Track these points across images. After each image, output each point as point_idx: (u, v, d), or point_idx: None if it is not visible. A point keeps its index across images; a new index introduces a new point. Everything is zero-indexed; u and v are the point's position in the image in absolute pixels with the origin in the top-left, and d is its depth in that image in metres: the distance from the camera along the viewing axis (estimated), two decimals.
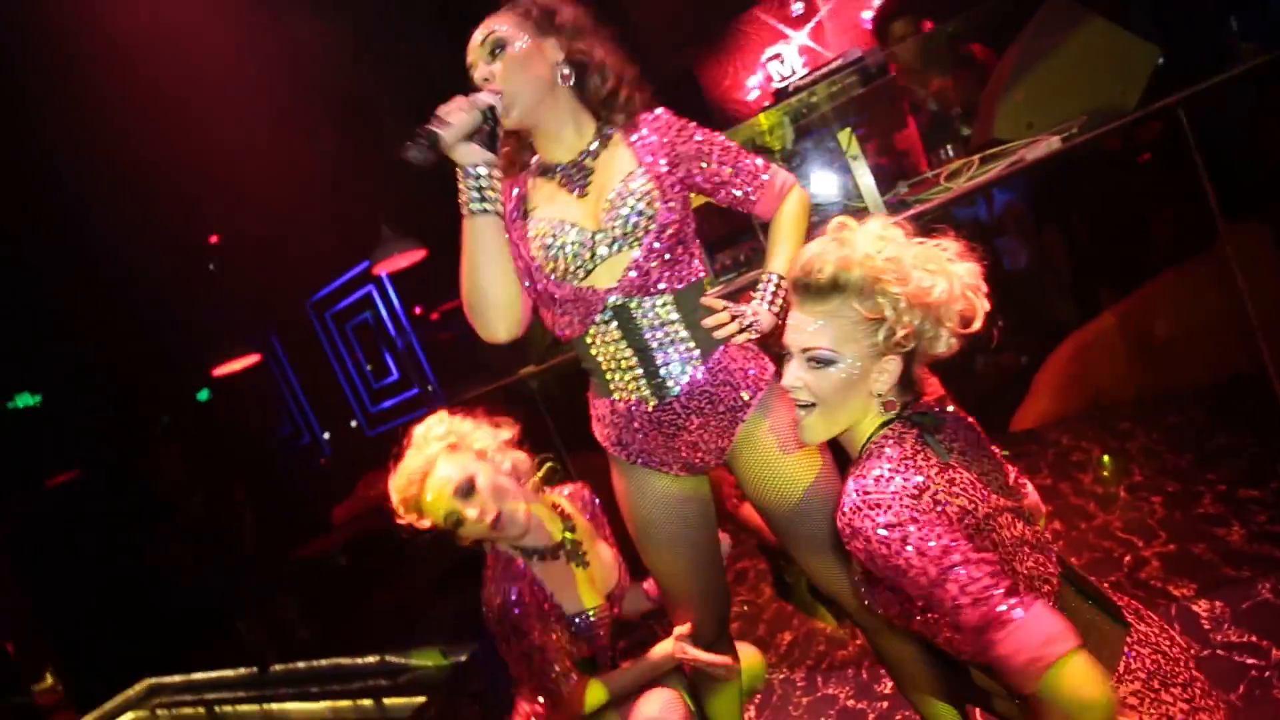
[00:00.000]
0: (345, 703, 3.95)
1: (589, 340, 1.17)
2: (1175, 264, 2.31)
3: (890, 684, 1.76)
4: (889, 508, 0.82)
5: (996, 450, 0.98)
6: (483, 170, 1.10)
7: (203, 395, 6.97)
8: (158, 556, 5.29)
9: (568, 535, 1.43)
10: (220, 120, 4.05)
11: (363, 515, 6.20)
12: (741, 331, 1.16)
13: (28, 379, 5.91)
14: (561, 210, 1.15)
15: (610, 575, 1.47)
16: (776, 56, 4.11)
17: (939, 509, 0.82)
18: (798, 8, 3.97)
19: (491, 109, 1.10)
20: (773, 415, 1.19)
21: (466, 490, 1.30)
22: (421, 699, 3.41)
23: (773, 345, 1.27)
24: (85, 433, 5.91)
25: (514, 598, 1.32)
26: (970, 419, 0.98)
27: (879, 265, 0.85)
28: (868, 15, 3.89)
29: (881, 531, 0.81)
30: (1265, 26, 1.80)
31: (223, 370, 6.12)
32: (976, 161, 1.80)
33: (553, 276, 1.14)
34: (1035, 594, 0.81)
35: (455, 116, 1.06)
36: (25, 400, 6.09)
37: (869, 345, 0.88)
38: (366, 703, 3.83)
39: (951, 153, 1.96)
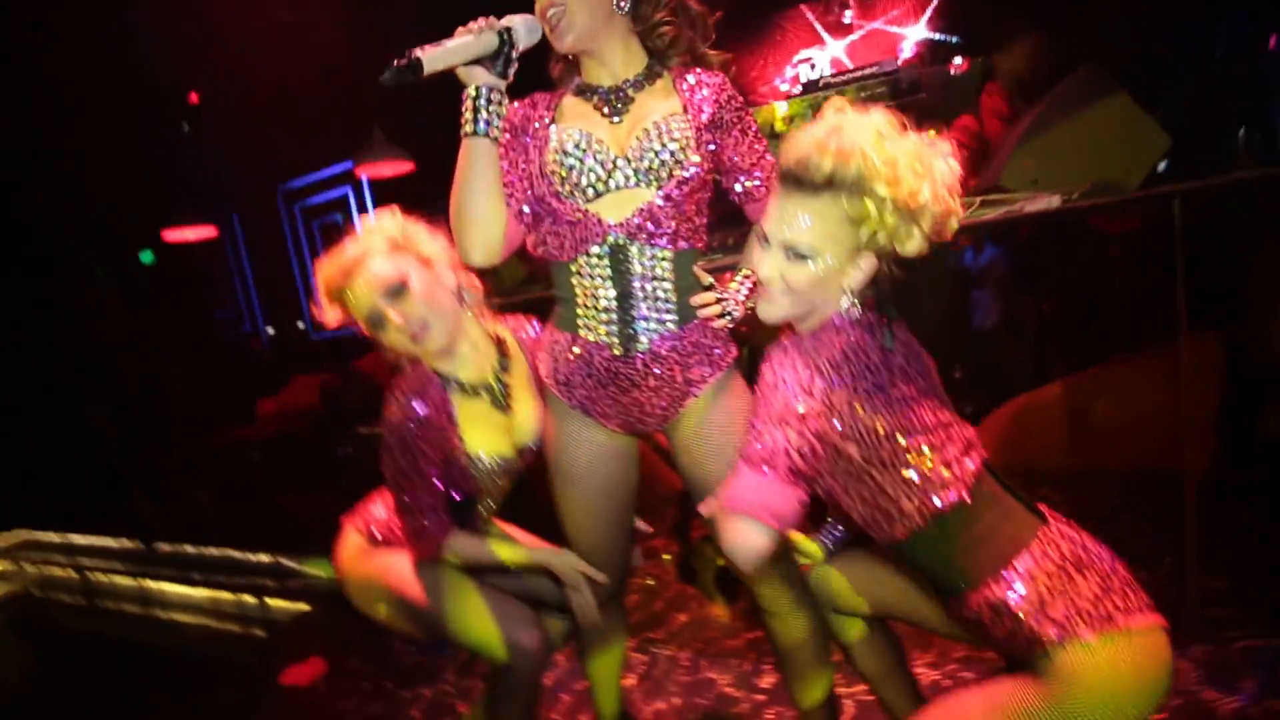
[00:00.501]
0: (228, 595, 3.85)
1: (574, 269, 1.15)
2: (1131, 351, 2.40)
3: (771, 679, 1.80)
4: (811, 357, 0.89)
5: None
6: (485, 94, 1.07)
7: (146, 256, 6.63)
8: (70, 408, 5.03)
9: (498, 375, 1.34)
10: None
11: (288, 415, 6.03)
12: (721, 316, 1.14)
13: None
14: (590, 127, 1.12)
15: (531, 427, 1.37)
16: (808, 60, 4.09)
17: (844, 383, 0.88)
18: (848, 15, 3.96)
19: (509, 32, 1.07)
20: (723, 396, 1.19)
21: (397, 290, 1.22)
22: (306, 607, 3.35)
23: (743, 333, 1.26)
24: (16, 260, 5.55)
25: (418, 414, 1.23)
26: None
27: (875, 165, 0.85)
28: (906, 43, 3.90)
29: (788, 373, 0.89)
30: (1269, 146, 1.86)
31: (174, 236, 5.84)
32: (977, 203, 1.82)
33: (560, 190, 1.11)
34: (803, 488, 0.90)
35: (463, 40, 1.03)
36: None
37: (849, 244, 0.90)
38: (249, 599, 3.74)
39: None
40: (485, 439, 1.31)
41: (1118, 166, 1.74)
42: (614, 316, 1.14)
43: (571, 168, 1.10)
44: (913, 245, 0.89)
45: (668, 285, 1.13)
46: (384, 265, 1.23)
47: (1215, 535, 2.00)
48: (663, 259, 1.12)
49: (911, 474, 0.89)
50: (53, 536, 5.11)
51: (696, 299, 1.14)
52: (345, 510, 1.48)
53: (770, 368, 0.91)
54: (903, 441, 0.89)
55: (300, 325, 7.00)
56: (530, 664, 1.31)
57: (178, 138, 5.69)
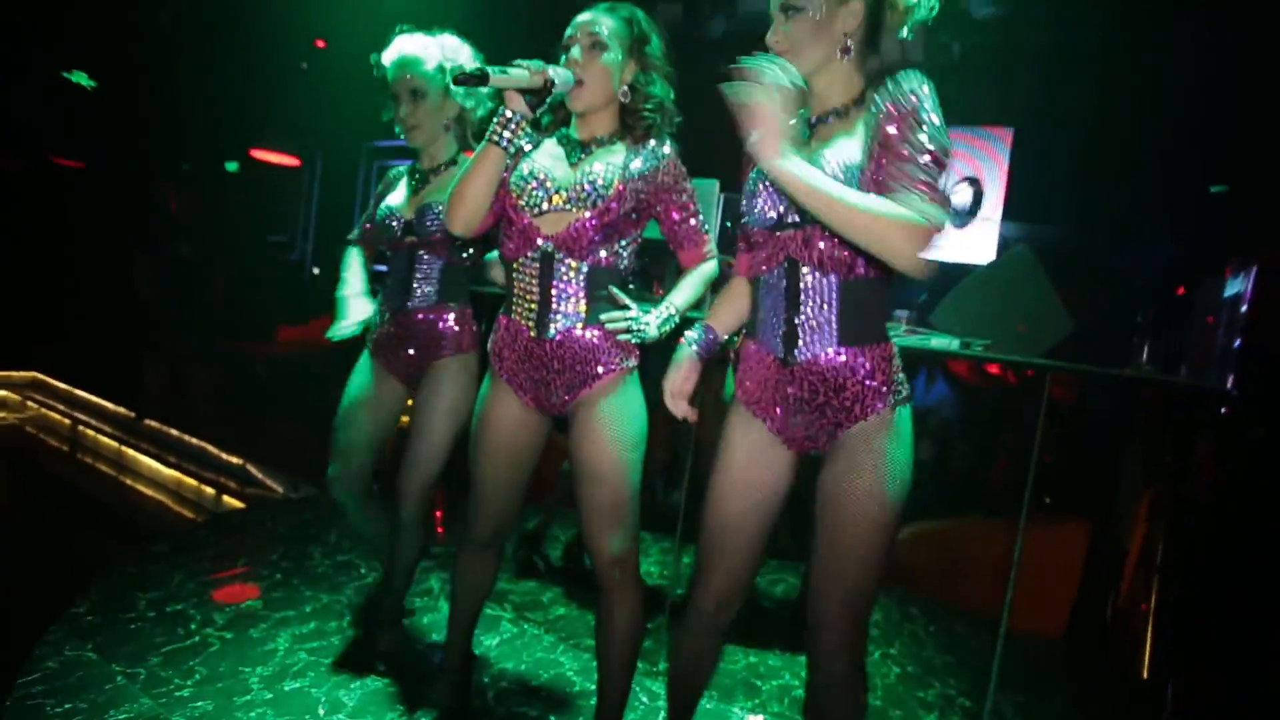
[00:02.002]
0: (191, 482, 4.27)
1: (516, 266, 1.53)
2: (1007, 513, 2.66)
3: None
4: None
5: None
6: (517, 119, 1.43)
7: (231, 166, 7.32)
8: (122, 273, 5.57)
9: (432, 168, 1.92)
10: None
11: (303, 346, 6.52)
12: (626, 331, 1.48)
13: (92, 64, 6.22)
14: (551, 165, 1.51)
15: (430, 201, 1.86)
16: None
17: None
18: None
19: (552, 82, 1.41)
20: (616, 397, 1.49)
21: (415, 94, 1.81)
22: (241, 505, 3.73)
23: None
24: (122, 135, 6.23)
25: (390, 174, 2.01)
26: None
27: None
28: None
29: None
30: (1169, 356, 2.17)
31: (260, 154, 6.49)
32: (903, 329, 2.16)
33: (517, 204, 1.49)
34: None
35: (520, 72, 1.38)
36: (80, 78, 6.41)
37: None
38: (209, 491, 4.14)
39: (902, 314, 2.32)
40: (401, 199, 1.94)
41: (1024, 338, 2.07)
42: (536, 307, 1.50)
43: (523, 189, 1.48)
44: None
45: (580, 291, 1.48)
46: (421, 72, 1.80)
47: (1029, 684, 2.27)
48: (580, 269, 1.48)
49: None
50: (60, 384, 5.63)
51: (606, 316, 1.47)
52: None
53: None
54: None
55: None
56: (336, 487, 1.94)
57: (297, 73, 6.37)
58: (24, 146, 5.59)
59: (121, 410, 5.17)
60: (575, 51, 1.46)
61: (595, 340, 1.49)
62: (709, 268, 1.59)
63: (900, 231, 1.02)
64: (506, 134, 1.42)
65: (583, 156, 1.51)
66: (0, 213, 4.69)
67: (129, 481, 4.51)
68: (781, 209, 1.20)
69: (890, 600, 2.83)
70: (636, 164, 1.48)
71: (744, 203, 1.29)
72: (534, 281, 1.50)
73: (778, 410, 1.26)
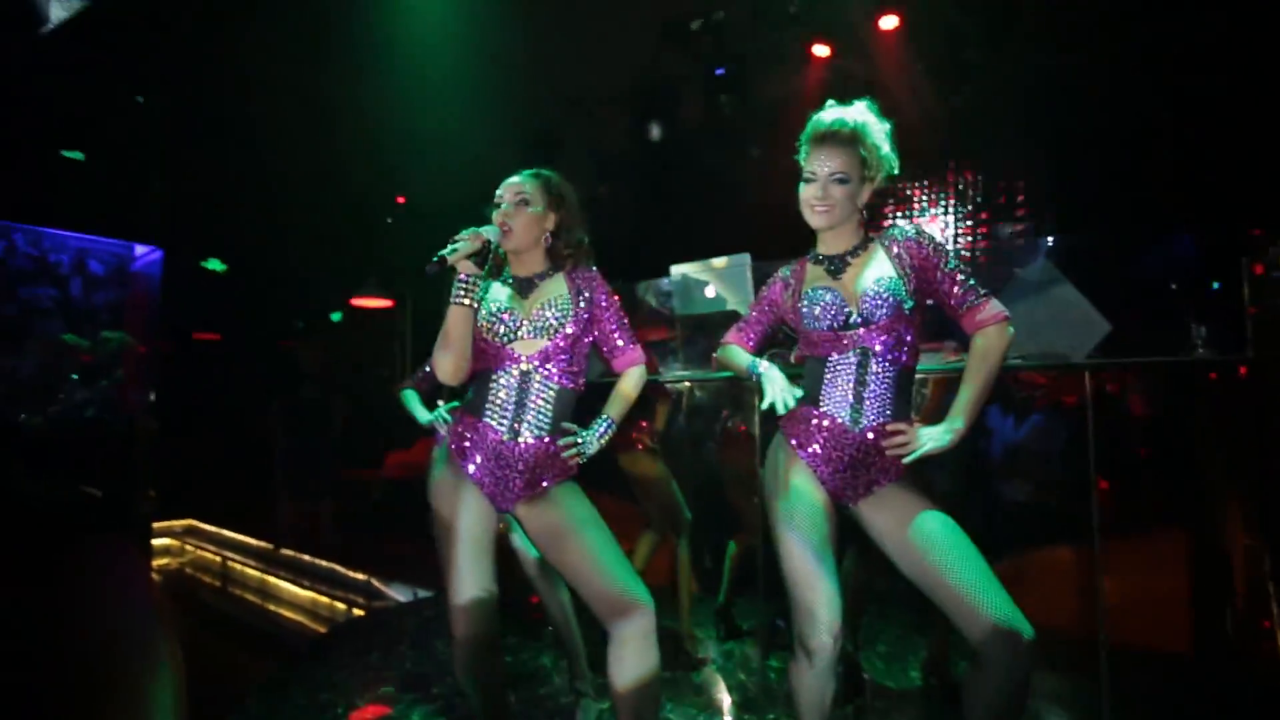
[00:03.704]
0: (324, 599, 4.70)
1: (492, 379, 1.71)
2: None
3: None
4: None
5: None
6: (472, 280, 1.63)
7: (336, 316, 8.32)
8: (255, 425, 6.39)
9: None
10: (448, 114, 5.24)
11: (410, 468, 7.09)
12: (576, 453, 1.70)
13: (225, 251, 7.41)
14: (510, 302, 1.75)
15: None
16: None
17: None
18: None
19: (489, 242, 1.63)
20: (563, 494, 1.71)
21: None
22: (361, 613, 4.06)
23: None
24: (246, 307, 7.31)
25: None
26: None
27: (873, 126, 1.62)
28: None
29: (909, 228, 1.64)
30: (1225, 336, 2.19)
31: (360, 302, 7.39)
32: (952, 357, 2.30)
33: (486, 337, 1.71)
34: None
35: (464, 244, 1.60)
36: (215, 265, 7.62)
37: (858, 177, 1.61)
38: (340, 606, 4.55)
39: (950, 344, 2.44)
40: None
41: (1062, 344, 2.16)
42: (509, 415, 1.70)
43: (495, 326, 1.70)
44: (882, 175, 1.63)
45: (546, 408, 1.70)
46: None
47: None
48: (549, 389, 1.70)
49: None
50: (210, 528, 6.37)
51: (561, 441, 1.69)
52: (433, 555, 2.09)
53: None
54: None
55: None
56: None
57: (384, 227, 7.35)
58: (173, 331, 6.64)
59: (262, 544, 5.79)
60: (505, 206, 1.75)
61: (551, 450, 1.70)
62: (640, 372, 1.82)
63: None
64: (472, 294, 1.65)
65: (530, 291, 1.79)
66: (158, 388, 5.55)
67: (272, 607, 5.01)
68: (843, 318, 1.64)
69: None
70: (578, 290, 1.77)
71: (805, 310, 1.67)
72: (510, 393, 1.71)
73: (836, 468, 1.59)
